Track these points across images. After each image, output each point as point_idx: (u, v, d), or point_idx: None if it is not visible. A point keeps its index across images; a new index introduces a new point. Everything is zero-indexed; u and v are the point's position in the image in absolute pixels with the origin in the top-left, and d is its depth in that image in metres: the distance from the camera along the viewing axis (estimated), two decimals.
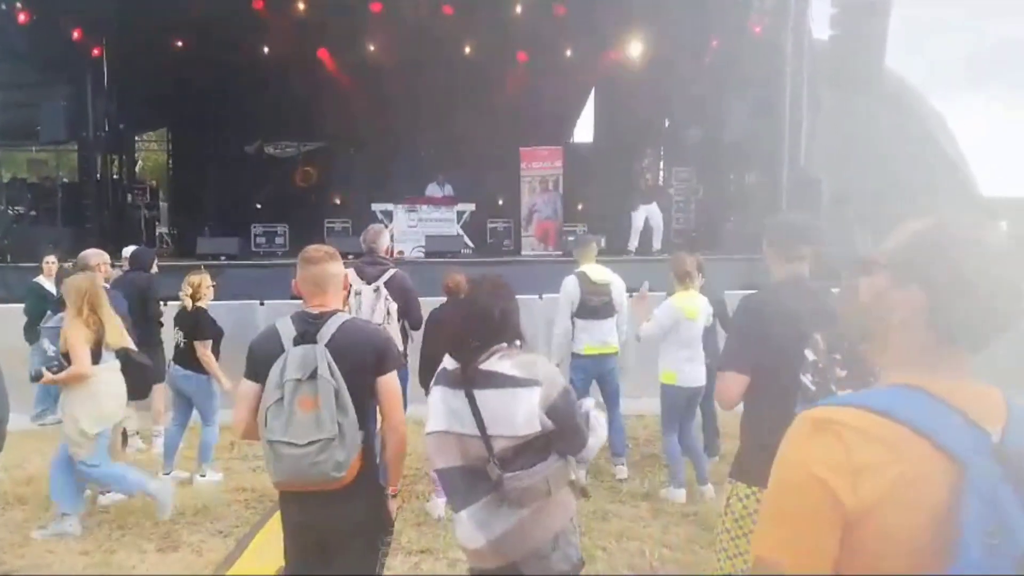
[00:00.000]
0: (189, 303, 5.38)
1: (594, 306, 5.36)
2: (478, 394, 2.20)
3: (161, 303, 6.08)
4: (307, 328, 2.50)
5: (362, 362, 2.50)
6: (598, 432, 2.38)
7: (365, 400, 2.53)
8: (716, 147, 12.49)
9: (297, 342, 2.47)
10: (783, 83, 10.94)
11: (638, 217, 11.24)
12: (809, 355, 2.37)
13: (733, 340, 2.67)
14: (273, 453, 2.41)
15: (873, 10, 9.95)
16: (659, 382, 5.11)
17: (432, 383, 2.34)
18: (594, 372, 5.49)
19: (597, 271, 5.51)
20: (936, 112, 12.02)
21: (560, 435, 2.22)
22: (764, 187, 11.49)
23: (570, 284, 5.41)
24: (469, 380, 2.22)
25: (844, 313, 2.42)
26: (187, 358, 5.34)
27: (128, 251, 6.92)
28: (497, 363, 2.23)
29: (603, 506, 4.88)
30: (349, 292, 4.67)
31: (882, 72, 10.34)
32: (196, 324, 5.34)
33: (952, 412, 1.02)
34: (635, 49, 13.41)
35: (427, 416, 2.31)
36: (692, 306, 4.96)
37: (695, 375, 4.97)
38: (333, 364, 2.41)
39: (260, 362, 2.51)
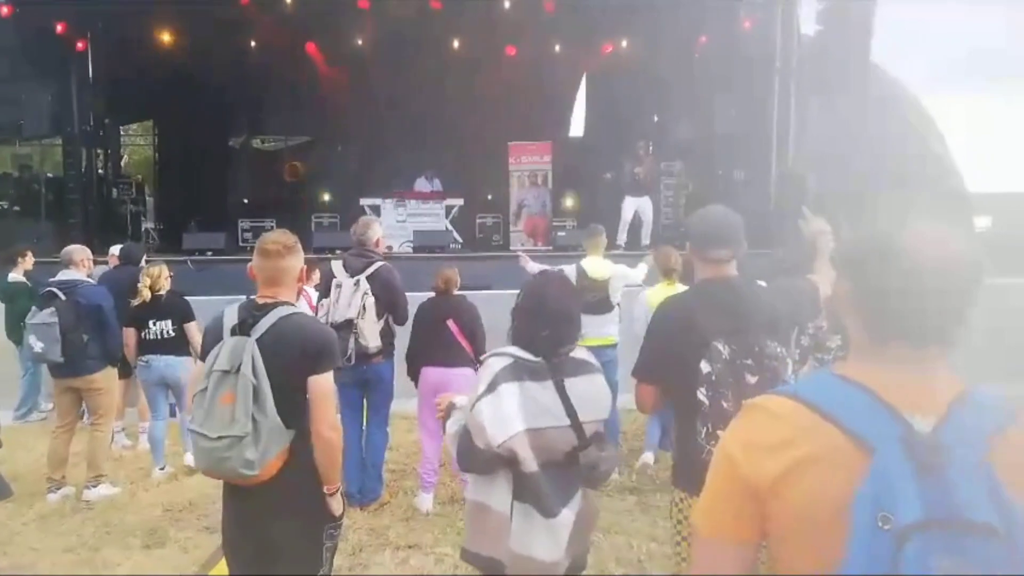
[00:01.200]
0: (147, 294, 5.39)
1: (589, 302, 5.32)
2: (568, 383, 2.15)
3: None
4: (247, 318, 2.44)
5: (294, 359, 2.40)
6: None
7: (299, 398, 2.42)
8: (705, 143, 12.52)
9: (234, 332, 2.41)
10: (771, 79, 10.98)
11: (626, 210, 11.25)
12: (704, 367, 2.26)
13: (642, 346, 2.56)
14: (192, 441, 2.46)
15: (860, 5, 9.98)
16: None
17: (493, 384, 2.11)
18: None
19: (596, 266, 5.48)
20: (922, 108, 12.08)
21: None
22: (752, 183, 11.53)
23: (568, 274, 5.36)
24: (559, 369, 2.17)
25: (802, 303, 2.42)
26: (177, 344, 5.41)
27: (115, 249, 6.87)
28: (578, 351, 2.25)
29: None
30: (325, 284, 4.67)
31: (868, 67, 10.39)
32: (183, 308, 5.50)
33: (870, 400, 1.07)
34: (624, 44, 13.42)
35: (489, 422, 2.07)
36: (661, 298, 4.93)
37: None
38: (259, 360, 2.34)
39: (206, 346, 2.50)
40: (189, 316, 5.48)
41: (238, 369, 2.33)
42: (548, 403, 2.11)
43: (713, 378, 2.24)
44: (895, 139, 10.90)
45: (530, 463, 2.05)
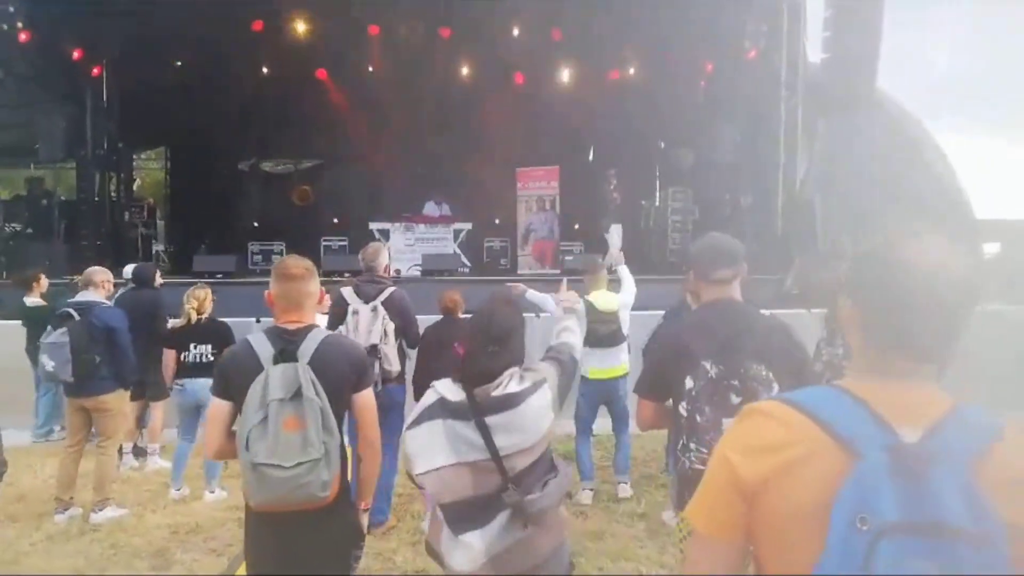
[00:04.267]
0: (194, 316, 5.47)
1: (601, 335, 5.31)
2: (491, 420, 2.15)
3: (167, 320, 6.06)
4: (286, 345, 2.43)
5: (342, 379, 2.47)
6: (576, 335, 2.59)
7: (341, 417, 2.50)
8: (711, 169, 12.60)
9: (277, 360, 2.39)
10: (778, 106, 11.07)
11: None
12: (688, 383, 2.34)
13: (644, 364, 2.73)
14: (256, 476, 2.31)
15: (865, 33, 10.07)
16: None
17: (419, 419, 2.21)
18: (602, 396, 5.50)
19: (604, 299, 5.45)
20: (930, 135, 12.12)
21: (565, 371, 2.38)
22: (759, 208, 11.58)
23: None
24: (480, 409, 2.16)
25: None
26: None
27: (129, 269, 6.91)
28: (508, 386, 2.20)
29: (599, 526, 4.86)
30: (340, 312, 4.68)
31: (874, 94, 10.45)
32: (224, 333, 5.53)
33: (861, 409, 1.11)
34: (631, 71, 13.56)
35: (411, 454, 2.18)
36: None
37: None
38: (317, 383, 2.36)
39: (235, 381, 2.43)
40: (230, 341, 5.39)
41: (295, 395, 2.33)
42: (472, 440, 2.14)
43: (694, 394, 2.33)
44: (901, 163, 10.93)
45: (441, 496, 2.17)
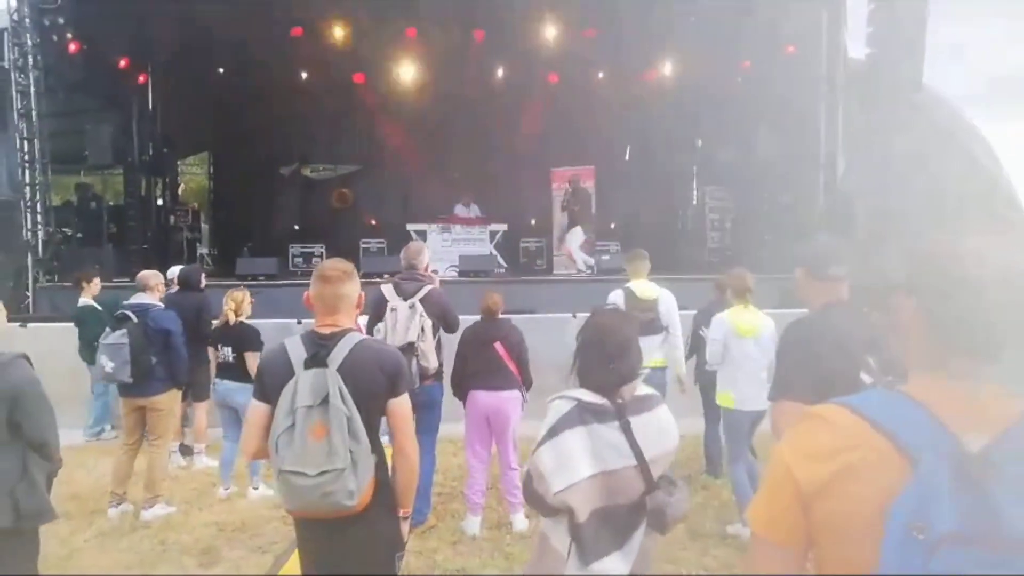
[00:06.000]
0: (232, 317, 5.59)
1: (641, 322, 5.32)
2: (634, 421, 2.08)
3: (211, 322, 6.19)
4: (318, 350, 2.40)
5: (374, 385, 2.41)
6: None
7: (377, 423, 2.45)
8: (750, 167, 12.45)
9: (308, 365, 2.36)
10: (818, 103, 10.89)
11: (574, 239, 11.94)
12: (866, 379, 2.32)
13: (785, 368, 2.57)
14: (283, 482, 2.31)
15: (911, 27, 9.86)
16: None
17: (554, 429, 2.09)
18: None
19: (644, 287, 5.48)
20: (977, 129, 11.82)
21: None
22: (799, 207, 11.41)
23: (616, 299, 5.34)
24: (624, 409, 2.09)
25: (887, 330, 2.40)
26: (236, 371, 5.50)
27: (174, 271, 7.07)
28: (641, 387, 2.17)
29: None
30: (379, 309, 4.73)
31: (920, 89, 10.23)
32: (246, 337, 5.56)
33: (923, 414, 1.10)
34: (667, 69, 13.46)
35: (549, 470, 2.04)
36: (745, 323, 4.84)
37: (751, 396, 4.71)
38: (344, 390, 2.31)
39: (269, 383, 2.42)
40: (253, 346, 5.51)
41: (323, 401, 2.30)
42: (617, 444, 2.05)
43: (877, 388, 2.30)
44: (947, 160, 10.67)
45: (581, 514, 2.01)
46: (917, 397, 1.13)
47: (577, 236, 12.31)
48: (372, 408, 2.41)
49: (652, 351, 5.39)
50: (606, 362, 2.14)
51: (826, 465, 1.12)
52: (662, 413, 2.17)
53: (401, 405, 2.48)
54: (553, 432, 2.07)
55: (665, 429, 2.15)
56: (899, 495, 1.01)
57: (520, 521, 4.81)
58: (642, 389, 2.18)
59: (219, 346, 5.63)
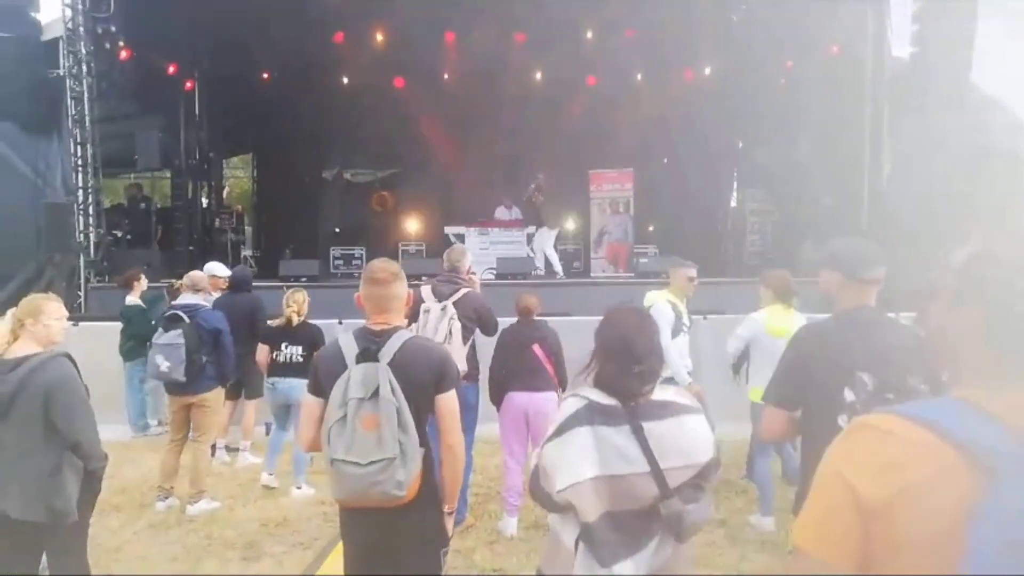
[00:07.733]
0: (296, 318, 5.71)
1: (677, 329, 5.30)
2: (647, 426, 1.96)
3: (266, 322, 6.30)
4: (369, 345, 2.49)
5: (423, 380, 2.49)
6: None
7: (426, 417, 2.51)
8: (792, 169, 12.27)
9: (359, 360, 2.46)
10: (862, 104, 10.69)
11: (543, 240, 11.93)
12: (848, 395, 2.23)
13: (778, 371, 2.53)
14: (335, 471, 2.40)
15: (958, 24, 9.62)
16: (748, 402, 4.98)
17: (561, 429, 2.02)
18: None
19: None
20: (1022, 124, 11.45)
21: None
22: (842, 210, 11.21)
23: (665, 308, 5.18)
24: (637, 413, 1.98)
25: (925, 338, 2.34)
26: (303, 370, 5.58)
27: (212, 268, 7.08)
28: (661, 392, 2.05)
29: None
30: (413, 309, 4.77)
31: (967, 87, 9.97)
32: (316, 336, 5.70)
33: (994, 424, 1.03)
34: (707, 70, 13.35)
35: (553, 468, 1.98)
36: (779, 323, 4.78)
37: None
38: (395, 383, 2.40)
39: (323, 378, 2.51)
40: (321, 344, 5.55)
41: (373, 394, 2.39)
42: (625, 448, 1.95)
43: (857, 407, 2.20)
44: (995, 161, 10.38)
45: (588, 514, 1.93)
46: (982, 405, 1.06)
47: (547, 236, 12.36)
48: (421, 402, 2.48)
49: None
50: (620, 363, 2.03)
51: (892, 481, 1.05)
52: (690, 423, 2.01)
53: (448, 401, 2.55)
54: (560, 430, 2.01)
55: (690, 440, 1.99)
56: (981, 510, 0.96)
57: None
58: (664, 394, 2.05)
59: (283, 345, 5.71)
